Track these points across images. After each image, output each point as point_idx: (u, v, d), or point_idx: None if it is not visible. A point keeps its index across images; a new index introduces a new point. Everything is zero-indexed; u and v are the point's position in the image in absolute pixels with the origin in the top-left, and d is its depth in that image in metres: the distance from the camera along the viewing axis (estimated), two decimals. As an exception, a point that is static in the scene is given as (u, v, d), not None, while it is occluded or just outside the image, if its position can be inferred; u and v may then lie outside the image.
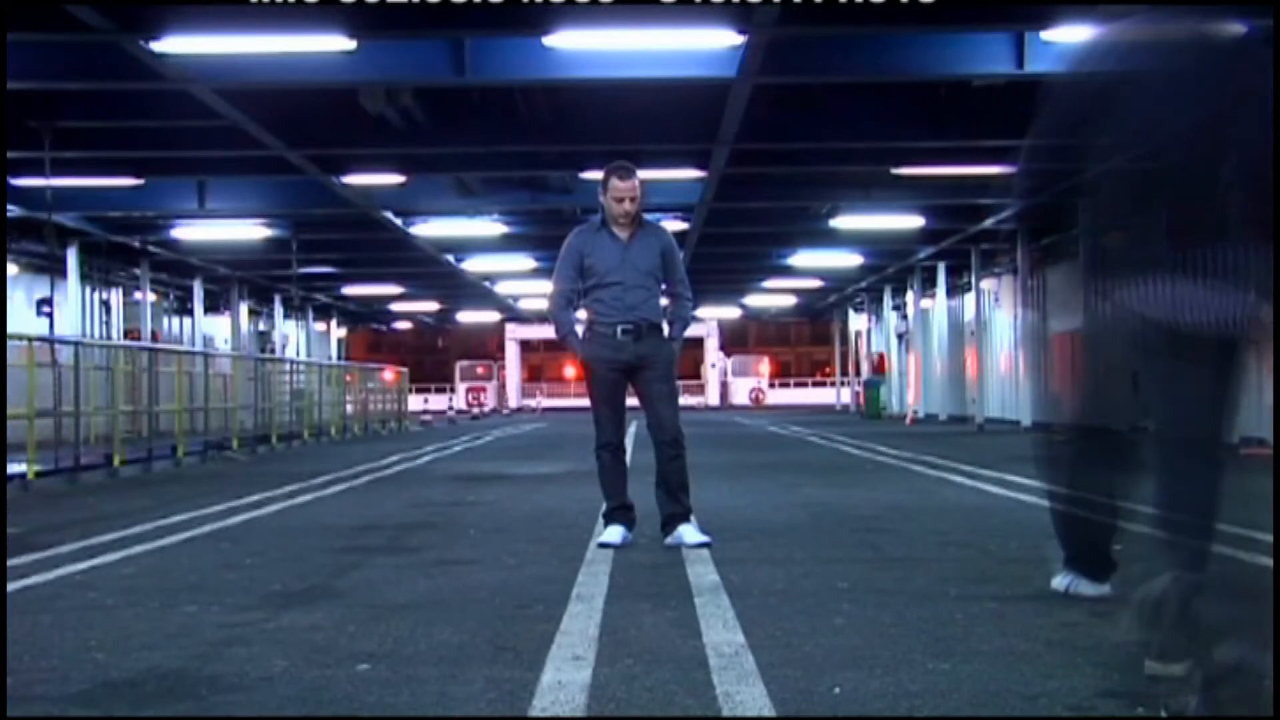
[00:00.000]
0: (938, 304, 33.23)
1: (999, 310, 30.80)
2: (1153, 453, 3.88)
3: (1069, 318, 3.99)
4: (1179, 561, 3.59)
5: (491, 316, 52.04)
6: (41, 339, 16.85)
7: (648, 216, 7.53)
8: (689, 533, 7.18)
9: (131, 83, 13.58)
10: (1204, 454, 3.76)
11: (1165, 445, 3.81)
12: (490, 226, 25.48)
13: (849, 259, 31.35)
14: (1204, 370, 3.66)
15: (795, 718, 3.65)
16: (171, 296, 34.21)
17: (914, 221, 24.74)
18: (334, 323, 46.97)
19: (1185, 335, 3.62)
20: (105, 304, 29.40)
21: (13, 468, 12.29)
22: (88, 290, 27.50)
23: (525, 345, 61.90)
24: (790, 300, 45.06)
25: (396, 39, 12.59)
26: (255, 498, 11.03)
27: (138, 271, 28.69)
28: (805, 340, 79.89)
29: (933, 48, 13.02)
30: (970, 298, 30.89)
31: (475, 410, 51.91)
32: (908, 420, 33.84)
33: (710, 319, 54.28)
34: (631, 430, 8.45)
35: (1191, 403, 3.72)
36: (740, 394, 60.47)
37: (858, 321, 46.29)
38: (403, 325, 55.97)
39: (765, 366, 64.57)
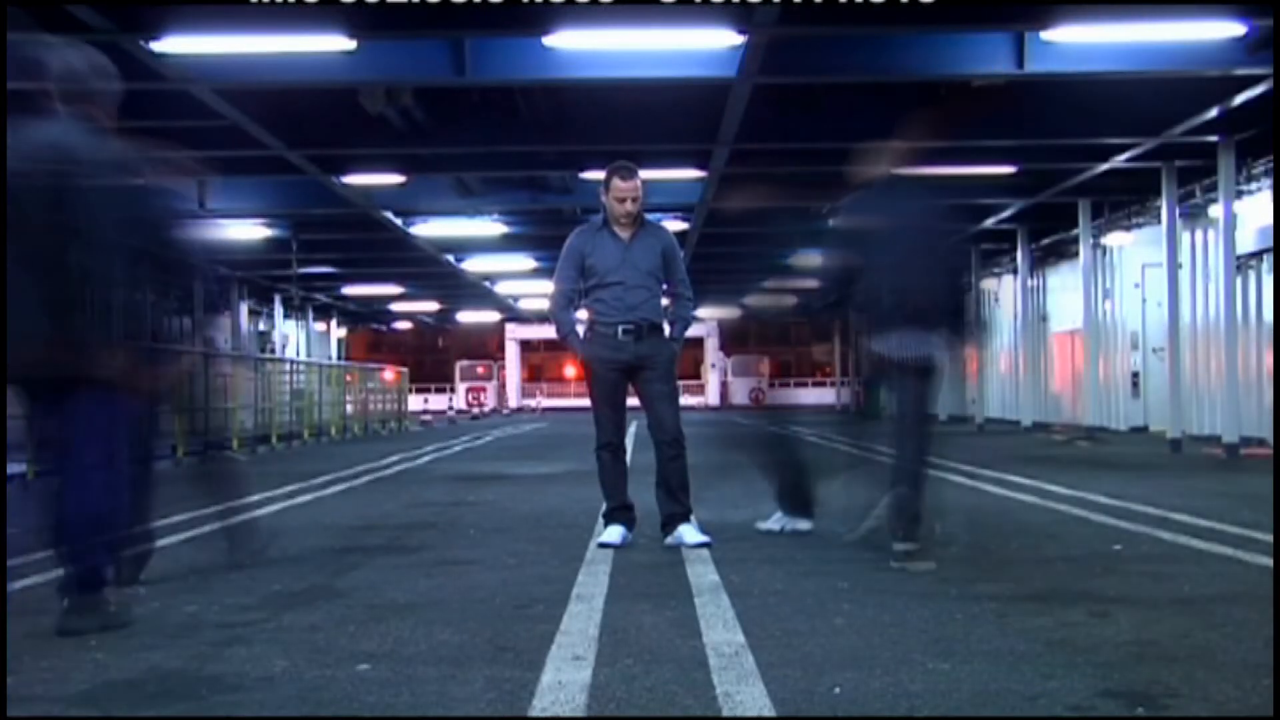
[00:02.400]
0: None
1: (999, 310, 30.77)
2: (892, 424, 6.69)
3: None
4: (902, 480, 6.51)
5: (491, 316, 51.99)
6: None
7: (648, 216, 7.54)
8: (689, 533, 7.19)
9: (131, 83, 13.50)
10: (915, 426, 6.61)
11: (898, 421, 6.64)
12: (490, 226, 25.44)
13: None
14: (912, 382, 6.54)
15: (795, 718, 3.65)
16: (171, 296, 34.11)
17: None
18: (334, 323, 46.89)
19: (903, 364, 6.49)
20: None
21: (13, 468, 12.27)
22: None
23: (525, 345, 61.85)
24: (790, 300, 45.00)
25: (396, 39, 12.57)
26: (255, 498, 11.02)
27: (138, 271, 28.64)
28: (805, 340, 79.84)
29: (933, 48, 12.99)
30: (970, 298, 30.78)
31: (475, 410, 51.89)
32: (908, 420, 33.76)
33: (710, 319, 54.24)
34: (631, 430, 8.45)
35: (909, 399, 6.56)
36: (740, 394, 60.38)
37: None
38: (403, 325, 55.91)
39: (765, 366, 64.51)
